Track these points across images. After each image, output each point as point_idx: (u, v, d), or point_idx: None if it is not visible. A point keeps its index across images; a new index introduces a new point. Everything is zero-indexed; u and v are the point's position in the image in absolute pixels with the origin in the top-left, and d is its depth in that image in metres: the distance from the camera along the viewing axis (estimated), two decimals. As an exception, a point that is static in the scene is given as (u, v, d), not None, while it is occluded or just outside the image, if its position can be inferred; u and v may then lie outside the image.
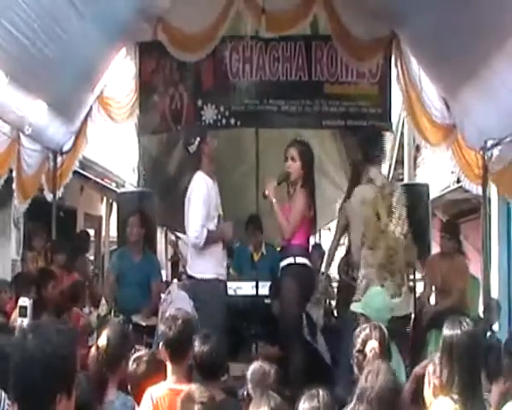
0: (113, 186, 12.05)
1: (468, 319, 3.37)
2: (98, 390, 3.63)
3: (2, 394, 2.84)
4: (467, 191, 7.45)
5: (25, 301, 4.63)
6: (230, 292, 6.95)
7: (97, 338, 4.23)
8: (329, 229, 11.65)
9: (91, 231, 12.23)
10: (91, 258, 11.67)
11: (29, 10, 4.90)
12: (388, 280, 5.44)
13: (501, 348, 4.61)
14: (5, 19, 4.77)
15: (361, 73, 7.58)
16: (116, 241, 8.40)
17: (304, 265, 6.04)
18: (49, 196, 7.82)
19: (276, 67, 7.65)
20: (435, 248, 7.55)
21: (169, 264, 16.42)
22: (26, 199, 7.22)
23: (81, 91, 7.24)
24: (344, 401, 3.34)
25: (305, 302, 6.46)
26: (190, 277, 6.00)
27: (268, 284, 7.19)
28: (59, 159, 7.72)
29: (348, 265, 6.52)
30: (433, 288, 6.73)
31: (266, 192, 6.13)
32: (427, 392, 3.37)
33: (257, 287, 7.17)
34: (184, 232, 6.36)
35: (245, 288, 7.52)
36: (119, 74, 7.74)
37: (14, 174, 6.76)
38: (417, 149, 10.69)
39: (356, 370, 3.69)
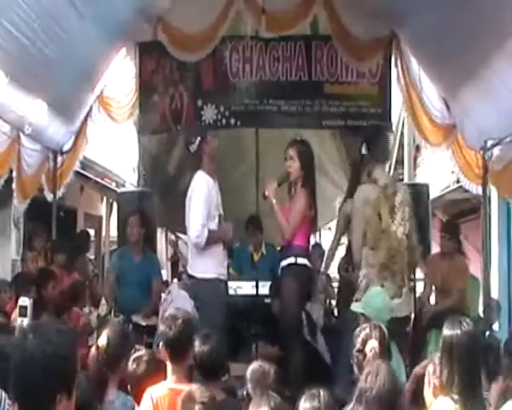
0: (113, 186, 12.05)
1: (468, 319, 3.38)
2: (98, 390, 3.63)
3: (3, 394, 2.84)
4: (467, 191, 7.45)
5: (25, 301, 4.63)
6: (231, 292, 6.96)
7: (97, 338, 4.23)
8: (329, 228, 11.64)
9: (91, 231, 12.23)
10: (91, 258, 11.67)
11: (29, 10, 4.90)
12: (389, 281, 5.43)
13: (500, 348, 4.63)
14: (5, 19, 4.77)
15: (361, 73, 7.59)
16: (116, 241, 8.40)
17: (304, 265, 6.05)
18: (49, 196, 7.82)
19: (276, 67, 7.65)
20: (435, 248, 7.55)
21: (169, 264, 16.42)
22: (26, 199, 7.22)
23: (81, 91, 7.24)
24: (344, 400, 3.34)
25: (305, 302, 6.49)
26: (191, 276, 6.00)
27: (268, 283, 7.19)
28: (59, 159, 7.72)
29: (348, 264, 6.51)
30: (433, 288, 6.73)
31: (266, 193, 6.14)
32: (427, 392, 3.37)
33: (257, 287, 7.17)
34: (184, 232, 6.36)
35: (245, 288, 7.52)
36: (119, 74, 7.74)
37: (14, 174, 6.77)
38: (417, 149, 10.69)
39: (356, 370, 3.69)
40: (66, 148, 7.73)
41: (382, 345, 3.76)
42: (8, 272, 8.60)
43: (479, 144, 6.31)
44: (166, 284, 9.41)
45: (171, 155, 9.90)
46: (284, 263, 6.09)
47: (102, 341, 3.91)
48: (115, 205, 10.17)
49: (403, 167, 10.96)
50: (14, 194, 7.03)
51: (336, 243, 6.89)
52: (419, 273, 7.11)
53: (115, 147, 11.69)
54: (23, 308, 4.60)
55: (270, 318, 6.73)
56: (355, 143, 9.47)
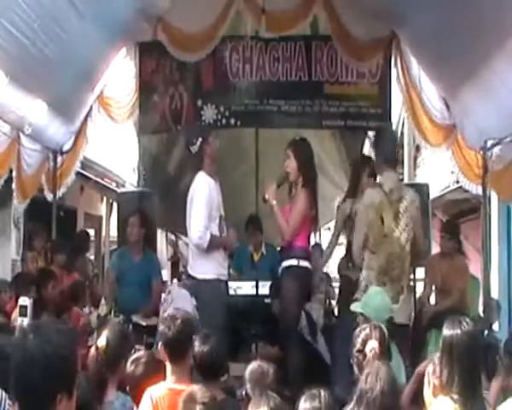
0: (113, 186, 12.05)
1: (467, 319, 3.37)
2: (98, 391, 3.63)
3: (3, 394, 2.84)
4: (467, 191, 7.45)
5: (25, 301, 4.64)
6: (231, 292, 6.96)
7: (97, 338, 4.22)
8: (329, 229, 11.64)
9: (91, 231, 12.23)
10: (91, 258, 11.67)
11: (29, 10, 4.90)
12: (387, 285, 5.43)
13: (499, 347, 4.63)
14: (5, 19, 4.77)
15: (361, 73, 7.58)
16: (116, 241, 8.41)
17: (306, 268, 6.08)
18: (49, 196, 7.83)
19: (276, 67, 7.65)
20: (435, 248, 7.55)
21: (169, 264, 16.43)
22: (26, 199, 7.22)
23: (81, 91, 7.24)
24: (344, 401, 3.34)
25: (305, 302, 6.50)
26: (191, 277, 6.00)
27: (268, 283, 7.19)
28: (59, 159, 7.72)
29: (348, 263, 6.52)
30: (433, 288, 6.73)
31: (266, 196, 6.16)
32: (427, 392, 3.37)
33: (257, 287, 7.17)
34: (184, 234, 6.36)
35: (245, 288, 7.52)
36: (119, 74, 7.74)
37: (13, 174, 6.77)
38: (417, 149, 10.69)
39: (356, 370, 3.69)
40: (66, 148, 7.73)
41: (382, 345, 3.76)
42: (8, 272, 8.61)
43: (479, 144, 6.31)
44: (166, 284, 9.41)
45: (171, 155, 9.90)
46: (286, 264, 6.09)
47: (102, 341, 3.90)
48: (115, 205, 10.18)
49: (403, 167, 10.95)
50: (14, 194, 7.03)
51: (334, 241, 6.91)
52: (419, 273, 7.10)
53: (115, 147, 11.69)
54: (23, 308, 4.60)
55: (270, 318, 6.73)
56: (355, 143, 9.53)
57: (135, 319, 6.42)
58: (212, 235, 5.70)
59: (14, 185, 6.88)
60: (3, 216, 9.27)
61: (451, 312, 5.01)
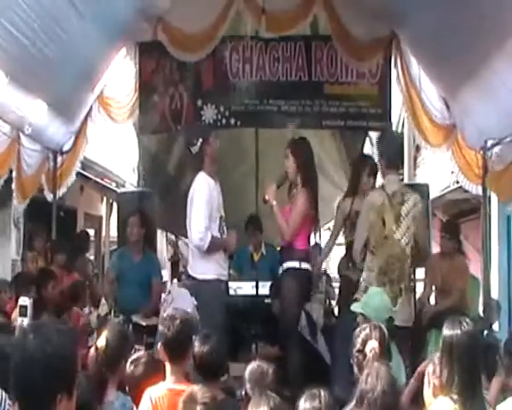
0: (113, 186, 12.05)
1: (467, 319, 3.37)
2: (98, 391, 3.63)
3: (3, 394, 2.84)
4: (467, 191, 7.45)
5: (25, 301, 4.64)
6: (231, 292, 6.97)
7: (97, 338, 4.22)
8: (329, 229, 11.63)
9: (91, 231, 12.24)
10: (91, 258, 11.67)
11: (29, 10, 4.90)
12: (387, 287, 5.43)
13: (499, 347, 4.63)
14: (5, 19, 4.77)
15: (361, 73, 7.58)
16: (116, 241, 8.41)
17: (307, 270, 6.10)
18: (49, 196, 7.83)
19: (276, 67, 7.64)
20: (435, 248, 7.55)
21: (169, 264, 16.42)
22: (25, 199, 7.22)
23: (81, 91, 7.24)
24: (344, 401, 3.34)
25: (305, 303, 6.51)
26: (191, 277, 6.00)
27: (268, 284, 7.19)
28: (59, 159, 7.72)
29: (349, 263, 6.52)
30: (433, 288, 6.73)
31: (266, 197, 6.17)
32: (427, 392, 3.37)
33: (257, 287, 7.17)
34: (184, 236, 6.35)
35: (245, 288, 7.52)
36: (119, 74, 7.74)
37: (13, 174, 6.77)
38: (417, 149, 10.69)
39: (356, 370, 3.69)
40: (66, 148, 7.73)
41: (382, 345, 3.76)
42: (8, 272, 8.61)
43: (479, 144, 6.31)
44: (166, 284, 9.41)
45: (171, 155, 9.90)
46: (287, 265, 6.09)
47: (101, 342, 3.90)
48: (115, 205, 10.18)
49: (403, 167, 10.95)
50: (14, 194, 7.03)
51: (333, 240, 6.92)
52: (419, 273, 7.10)
53: (115, 147, 11.70)
54: (23, 308, 4.60)
55: (270, 318, 6.74)
56: (355, 143, 9.53)
57: (135, 319, 6.42)
58: (212, 236, 5.70)
59: (14, 185, 6.88)
60: (3, 216, 9.27)
61: (451, 312, 5.01)
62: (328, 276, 9.32)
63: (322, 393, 2.95)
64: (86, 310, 6.95)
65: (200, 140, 5.85)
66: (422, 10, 5.70)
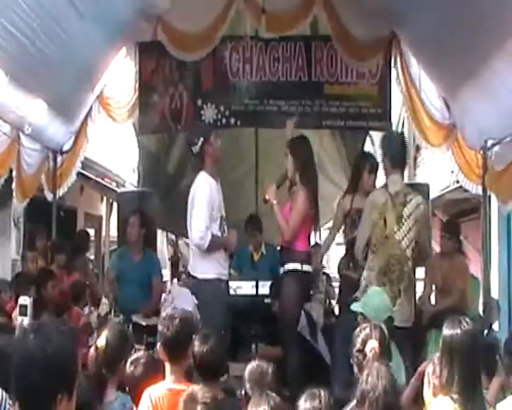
0: (113, 186, 12.06)
1: (467, 319, 3.37)
2: (97, 390, 3.63)
3: (4, 394, 2.84)
4: (467, 191, 7.45)
5: (25, 300, 4.64)
6: (231, 292, 6.96)
7: (97, 338, 4.22)
8: (329, 228, 11.64)
9: (91, 231, 12.24)
10: (91, 258, 11.68)
11: (29, 10, 4.90)
12: (387, 287, 5.44)
13: (499, 347, 4.63)
14: (5, 19, 4.77)
15: (361, 73, 7.59)
16: (116, 241, 8.41)
17: (308, 272, 6.13)
18: (49, 196, 7.83)
19: (276, 67, 7.65)
20: (435, 248, 7.55)
21: (169, 264, 16.42)
22: (25, 198, 7.23)
23: (81, 91, 7.24)
24: (343, 401, 3.34)
25: (305, 303, 6.53)
26: (192, 277, 6.00)
27: (268, 283, 7.19)
28: (59, 159, 7.73)
29: (349, 263, 6.53)
30: (433, 287, 6.73)
31: (267, 197, 6.18)
32: (427, 392, 3.37)
33: (257, 287, 7.17)
34: (184, 235, 6.35)
35: (245, 288, 7.52)
36: (119, 74, 7.74)
37: (13, 174, 6.77)
38: (417, 149, 10.70)
39: (356, 369, 3.69)
40: (66, 148, 7.74)
41: (382, 345, 3.76)
42: (8, 272, 8.62)
43: (479, 144, 6.31)
44: (166, 284, 9.40)
45: (171, 155, 9.90)
46: (288, 267, 6.10)
47: (101, 342, 3.90)
48: (115, 205, 10.18)
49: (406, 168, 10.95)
50: (14, 194, 7.03)
51: (332, 237, 6.94)
52: (419, 273, 7.10)
53: (115, 147, 11.70)
54: (23, 307, 4.60)
55: (270, 318, 6.74)
56: (355, 143, 9.52)
57: (135, 318, 6.42)
58: (212, 235, 5.70)
59: (14, 185, 6.88)
60: (3, 216, 9.28)
61: (451, 312, 5.00)
62: (328, 276, 9.32)
63: (323, 393, 2.95)
64: (86, 310, 6.95)
65: (201, 139, 5.84)
66: (422, 10, 5.70)
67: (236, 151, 9.11)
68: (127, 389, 3.79)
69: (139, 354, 4.04)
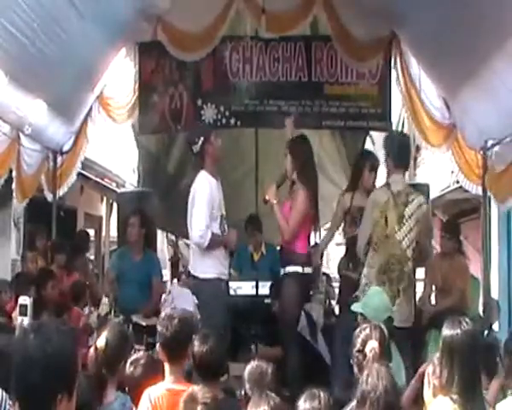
0: (113, 186, 12.06)
1: (467, 319, 3.37)
2: (97, 391, 3.63)
3: (4, 394, 2.84)
4: (467, 191, 7.45)
5: (25, 300, 4.64)
6: (231, 292, 6.96)
7: (97, 338, 4.22)
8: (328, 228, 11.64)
9: (91, 231, 12.24)
10: (91, 258, 11.68)
11: (29, 10, 4.90)
12: (386, 286, 5.44)
13: (499, 348, 4.63)
14: (5, 19, 4.77)
15: (361, 73, 7.59)
16: (116, 241, 8.41)
17: (309, 274, 6.17)
18: (49, 196, 7.83)
19: (276, 67, 7.65)
20: (436, 247, 7.55)
21: (169, 264, 16.42)
22: (25, 199, 7.23)
23: (81, 91, 7.24)
24: (343, 401, 3.34)
25: (305, 303, 6.54)
26: (193, 276, 6.00)
27: (268, 284, 7.19)
28: (59, 159, 7.73)
29: (348, 263, 6.54)
30: (433, 288, 6.73)
31: (267, 198, 6.19)
32: (427, 392, 3.37)
33: (257, 287, 7.17)
34: (183, 236, 6.35)
35: (245, 288, 7.52)
36: (119, 74, 7.74)
37: (13, 174, 6.77)
38: (417, 149, 10.69)
39: (356, 370, 3.69)
40: (66, 148, 7.74)
41: (382, 345, 3.76)
42: (8, 272, 8.61)
43: (479, 144, 6.31)
44: (166, 284, 9.40)
45: (171, 155, 9.90)
46: (290, 270, 6.11)
47: (101, 342, 3.90)
48: (115, 205, 10.18)
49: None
50: (14, 194, 7.03)
51: (331, 234, 6.95)
52: (419, 273, 7.10)
53: (115, 147, 11.70)
54: (23, 307, 4.60)
55: (270, 318, 6.74)
56: (355, 143, 9.53)
57: (135, 318, 6.41)
58: (213, 234, 5.70)
59: (14, 185, 6.88)
60: (3, 216, 9.28)
61: (451, 312, 5.00)
62: (328, 276, 9.32)
63: (322, 393, 2.95)
64: (86, 310, 6.95)
65: (202, 139, 5.85)
66: (422, 10, 5.70)
67: (236, 151, 9.11)
68: (127, 389, 3.79)
69: (139, 354, 4.04)
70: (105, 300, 7.23)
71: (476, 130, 6.19)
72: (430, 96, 6.95)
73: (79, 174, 8.53)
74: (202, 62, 7.59)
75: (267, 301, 7.12)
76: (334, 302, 8.48)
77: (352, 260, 6.41)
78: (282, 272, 6.26)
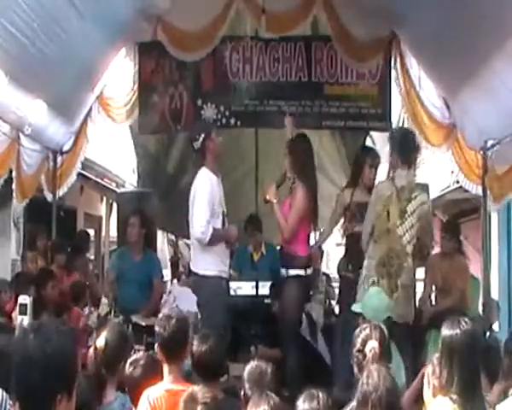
0: (113, 186, 12.05)
1: (466, 319, 3.37)
2: (97, 391, 3.63)
3: (4, 394, 2.84)
4: (467, 191, 7.45)
5: (25, 299, 4.64)
6: (231, 292, 6.95)
7: (97, 338, 4.22)
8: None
9: (91, 231, 12.24)
10: (91, 258, 11.68)
11: (29, 10, 4.90)
12: (384, 279, 5.46)
13: (500, 349, 4.62)
14: (5, 19, 4.77)
15: (361, 73, 7.59)
16: (116, 241, 8.41)
17: (310, 276, 6.22)
18: (49, 196, 7.83)
19: (276, 67, 7.65)
20: (435, 248, 7.54)
21: (169, 264, 16.41)
22: (25, 199, 7.23)
23: (81, 91, 7.24)
24: (343, 401, 3.34)
25: (305, 304, 6.56)
26: (193, 273, 5.99)
27: (268, 284, 7.19)
28: (59, 159, 7.73)
29: (348, 264, 6.55)
30: (433, 288, 6.73)
31: (267, 197, 6.19)
32: (427, 393, 3.37)
33: (257, 287, 7.17)
34: (183, 236, 6.34)
35: (245, 288, 7.52)
36: (119, 74, 7.74)
37: (13, 174, 6.77)
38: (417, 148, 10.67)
39: (356, 370, 3.69)
40: (66, 148, 7.74)
41: (382, 345, 3.76)
42: (8, 272, 8.61)
43: (479, 144, 6.31)
44: (166, 284, 9.39)
45: (171, 155, 9.90)
46: (292, 273, 6.12)
47: (101, 342, 3.90)
48: (115, 205, 10.18)
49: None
50: (14, 194, 7.03)
51: (329, 229, 6.97)
52: (419, 273, 7.10)
53: (115, 147, 11.69)
54: (23, 306, 4.61)
55: (270, 318, 6.74)
56: (355, 143, 9.52)
57: (135, 319, 6.41)
58: (214, 229, 5.69)
59: (13, 185, 6.88)
60: (3, 216, 9.28)
61: (451, 312, 5.00)
62: (328, 276, 9.32)
63: (321, 394, 2.95)
64: (86, 310, 6.95)
65: (203, 135, 5.84)
66: (422, 10, 5.70)
67: (236, 151, 9.11)
68: (126, 389, 3.78)
69: (138, 354, 4.03)
70: (105, 300, 7.24)
71: (476, 130, 6.19)
72: (430, 96, 6.95)
73: (79, 174, 8.53)
74: (202, 62, 7.59)
75: (267, 301, 7.11)
76: (334, 302, 8.48)
77: (351, 260, 6.41)
78: (282, 272, 6.26)
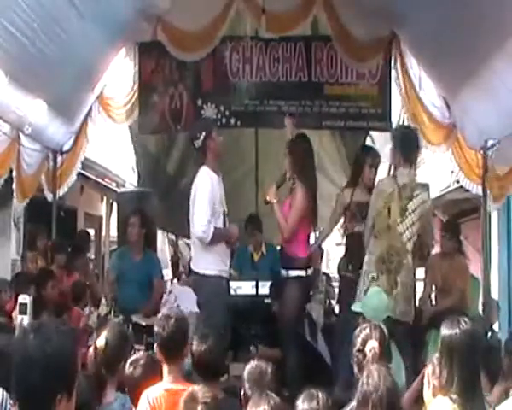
0: (113, 186, 12.06)
1: (466, 319, 3.37)
2: (97, 391, 3.63)
3: (4, 393, 2.84)
4: (467, 191, 7.45)
5: (25, 299, 4.65)
6: (231, 292, 6.95)
7: (97, 338, 4.22)
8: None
9: (91, 231, 12.24)
10: (91, 258, 11.67)
11: (29, 10, 4.90)
12: (384, 275, 5.47)
13: (501, 349, 4.62)
14: (5, 19, 4.77)
15: (361, 73, 7.59)
16: (116, 241, 8.41)
17: (310, 276, 6.25)
18: (49, 196, 7.83)
19: (276, 67, 7.66)
20: (435, 248, 7.54)
21: (169, 264, 16.41)
22: (25, 198, 7.23)
23: (81, 91, 7.24)
24: (343, 401, 3.33)
25: (305, 304, 6.56)
26: (194, 272, 5.99)
27: (268, 283, 7.19)
28: (59, 159, 7.73)
29: (348, 263, 6.55)
30: (433, 287, 6.73)
31: (267, 198, 6.20)
32: (427, 393, 3.37)
33: (257, 287, 7.17)
34: (184, 236, 6.34)
35: (245, 288, 7.52)
36: (119, 74, 7.75)
37: (13, 174, 6.77)
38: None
39: (356, 369, 3.69)
40: (66, 148, 7.74)
41: (382, 345, 3.76)
42: (8, 272, 8.61)
43: (479, 144, 6.31)
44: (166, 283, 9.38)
45: (171, 155, 9.90)
46: (293, 274, 6.12)
47: (101, 342, 3.90)
48: (115, 205, 10.18)
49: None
50: (14, 194, 7.03)
51: (329, 229, 6.96)
52: (419, 273, 7.10)
53: (115, 147, 11.69)
54: (23, 306, 4.61)
55: (270, 318, 6.74)
56: (355, 143, 9.53)
57: (135, 318, 6.41)
58: (215, 228, 5.69)
59: (14, 185, 6.89)
60: (3, 216, 9.28)
61: (451, 312, 5.00)
62: (328, 276, 9.32)
63: (320, 394, 2.95)
64: (87, 310, 6.95)
65: (203, 134, 5.84)
66: (422, 10, 5.70)
67: (236, 151, 9.11)
68: (126, 389, 3.78)
69: (139, 354, 4.03)
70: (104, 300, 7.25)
71: (476, 130, 6.19)
72: (430, 96, 6.95)
73: (79, 174, 8.53)
74: (202, 62, 7.59)
75: (267, 301, 7.11)
76: (334, 302, 8.48)
77: (351, 260, 6.42)
78: (282, 272, 6.27)
